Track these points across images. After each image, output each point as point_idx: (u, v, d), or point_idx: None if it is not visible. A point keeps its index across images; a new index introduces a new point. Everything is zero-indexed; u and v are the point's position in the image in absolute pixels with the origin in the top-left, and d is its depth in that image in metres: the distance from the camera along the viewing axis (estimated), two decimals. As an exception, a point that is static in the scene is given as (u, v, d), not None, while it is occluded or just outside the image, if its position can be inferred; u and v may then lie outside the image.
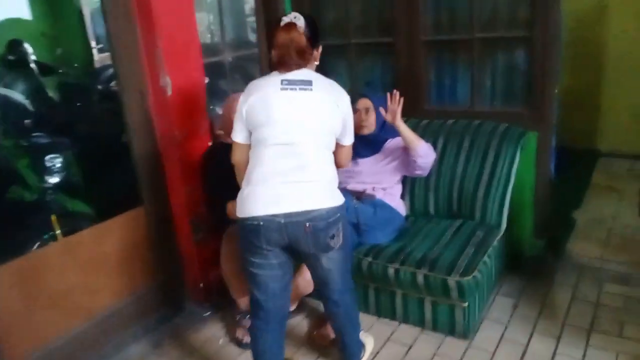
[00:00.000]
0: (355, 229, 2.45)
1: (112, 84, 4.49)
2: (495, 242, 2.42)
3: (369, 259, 2.40)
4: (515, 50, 2.67)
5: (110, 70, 4.84)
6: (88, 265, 2.34)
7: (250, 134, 1.90)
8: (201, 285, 2.68)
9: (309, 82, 1.87)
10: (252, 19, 3.29)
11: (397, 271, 2.32)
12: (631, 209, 3.39)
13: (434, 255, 2.31)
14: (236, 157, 1.99)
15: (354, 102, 2.18)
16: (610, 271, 2.72)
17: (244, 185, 1.89)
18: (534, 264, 2.77)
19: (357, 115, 2.63)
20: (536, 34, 2.51)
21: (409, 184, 2.75)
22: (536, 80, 2.58)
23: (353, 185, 2.66)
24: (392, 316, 2.49)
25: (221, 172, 2.39)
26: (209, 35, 3.15)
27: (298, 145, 1.82)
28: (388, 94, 2.42)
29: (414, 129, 2.59)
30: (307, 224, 1.79)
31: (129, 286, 2.50)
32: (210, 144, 2.65)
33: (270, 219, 1.78)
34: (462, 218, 2.60)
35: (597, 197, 3.60)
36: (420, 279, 2.27)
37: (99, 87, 4.95)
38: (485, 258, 2.30)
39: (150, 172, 2.53)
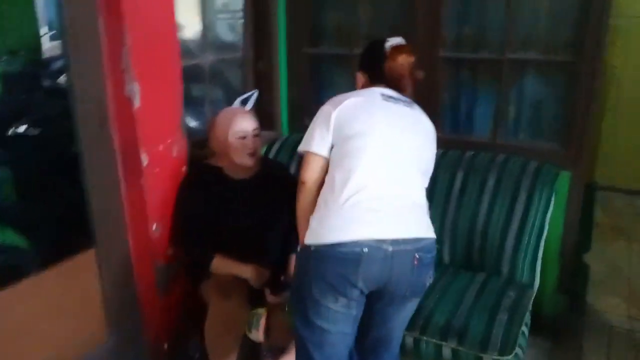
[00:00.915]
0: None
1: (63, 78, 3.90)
2: (530, 306, 2.02)
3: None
4: (553, 76, 2.29)
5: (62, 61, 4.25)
6: (20, 326, 1.77)
7: (332, 147, 1.61)
8: (165, 346, 2.14)
9: (410, 102, 1.73)
10: (234, 18, 2.79)
11: (417, 342, 1.88)
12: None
13: (461, 322, 1.88)
14: (310, 173, 1.62)
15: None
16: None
17: (324, 204, 1.53)
18: (558, 324, 2.40)
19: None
20: (582, 59, 2.14)
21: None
22: (576, 112, 2.20)
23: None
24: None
25: (206, 202, 2.01)
26: (186, 32, 2.63)
27: (402, 162, 1.59)
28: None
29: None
30: (417, 255, 1.49)
31: (71, 350, 1.94)
32: (184, 168, 2.13)
33: (376, 246, 1.44)
34: (485, 272, 2.18)
35: (605, 240, 3.31)
36: (446, 353, 1.84)
37: (48, 81, 4.32)
38: (523, 328, 1.89)
39: (106, 205, 1.98)
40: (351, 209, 1.47)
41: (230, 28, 2.80)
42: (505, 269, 2.14)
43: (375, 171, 1.54)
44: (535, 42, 2.27)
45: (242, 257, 2.02)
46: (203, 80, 2.60)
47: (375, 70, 1.75)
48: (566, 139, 2.26)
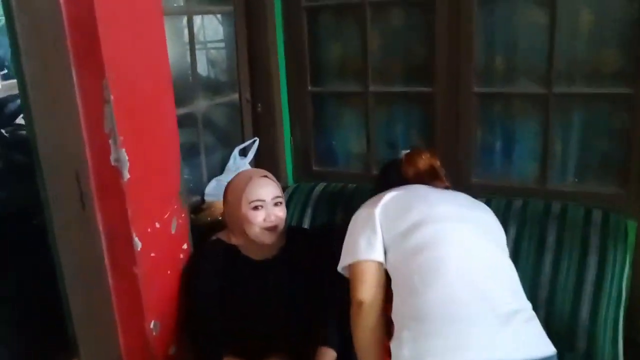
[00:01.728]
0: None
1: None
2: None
3: None
4: (605, 109, 1.98)
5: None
6: None
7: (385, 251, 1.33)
8: None
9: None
10: (228, 57, 2.42)
11: None
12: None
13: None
14: (366, 287, 1.31)
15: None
16: None
17: (409, 322, 1.19)
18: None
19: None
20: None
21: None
22: (636, 150, 1.91)
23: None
24: None
25: (221, 291, 1.65)
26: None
27: (484, 253, 1.32)
28: None
29: None
30: None
31: None
32: (186, 246, 1.73)
33: None
34: (555, 348, 1.83)
35: None
36: None
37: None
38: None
39: (89, 303, 1.57)
40: (452, 323, 1.11)
41: (223, 67, 2.44)
42: (581, 344, 1.79)
43: (467, 265, 1.19)
44: (581, 72, 1.97)
45: (262, 352, 1.63)
46: (196, 129, 2.21)
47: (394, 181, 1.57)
48: (627, 180, 1.96)
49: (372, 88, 2.29)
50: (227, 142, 2.38)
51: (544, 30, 1.95)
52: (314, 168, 2.52)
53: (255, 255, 1.70)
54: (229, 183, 1.74)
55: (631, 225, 1.92)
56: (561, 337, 1.80)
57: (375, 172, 2.37)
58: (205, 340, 1.64)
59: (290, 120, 2.47)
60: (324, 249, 1.76)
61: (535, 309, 1.82)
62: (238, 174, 1.77)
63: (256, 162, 2.39)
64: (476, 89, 2.09)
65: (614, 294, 1.78)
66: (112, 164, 1.47)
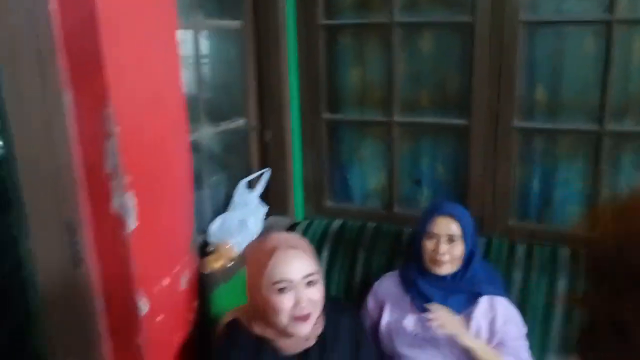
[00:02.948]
0: None
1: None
2: None
3: None
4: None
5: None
6: None
7: None
8: None
9: None
10: (231, 75, 2.16)
11: None
12: None
13: None
14: None
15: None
16: None
17: None
18: None
19: (430, 242, 1.62)
20: None
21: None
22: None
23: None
24: None
25: None
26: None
27: None
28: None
29: (502, 255, 1.74)
30: None
31: None
32: (197, 304, 1.45)
33: None
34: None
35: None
36: None
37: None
38: None
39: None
40: None
41: (228, 89, 2.17)
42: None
43: None
44: (633, 108, 1.79)
45: None
46: (198, 159, 1.94)
47: None
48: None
49: (397, 118, 2.05)
50: (231, 174, 2.11)
51: (596, 61, 1.76)
52: (328, 204, 2.27)
53: (287, 349, 1.34)
54: (250, 248, 1.42)
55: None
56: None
57: (396, 209, 2.14)
58: None
59: (303, 151, 2.22)
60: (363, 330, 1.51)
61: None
62: (262, 238, 1.43)
63: (264, 196, 2.13)
64: (517, 124, 1.88)
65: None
66: (114, 211, 1.19)
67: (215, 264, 1.78)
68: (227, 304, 1.59)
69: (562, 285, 1.72)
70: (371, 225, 2.09)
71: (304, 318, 1.29)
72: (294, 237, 1.40)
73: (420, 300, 1.67)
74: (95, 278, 1.24)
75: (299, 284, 1.29)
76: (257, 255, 1.34)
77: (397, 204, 2.15)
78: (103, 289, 1.25)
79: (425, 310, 1.63)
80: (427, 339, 1.63)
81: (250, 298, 1.36)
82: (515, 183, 1.96)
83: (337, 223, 2.11)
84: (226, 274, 1.68)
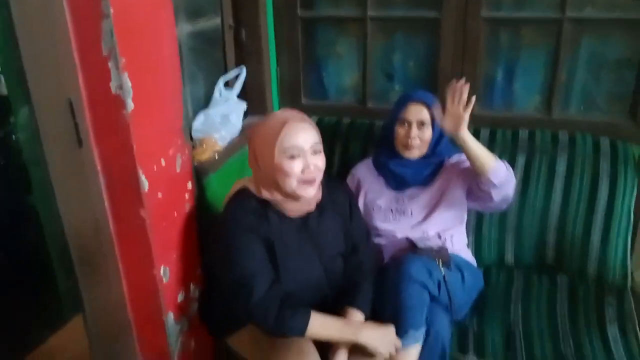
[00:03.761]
0: (447, 310, 1.59)
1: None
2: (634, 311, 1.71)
3: (474, 357, 1.56)
4: (615, 36, 1.93)
5: None
6: None
7: None
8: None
9: None
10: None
11: (526, 378, 1.52)
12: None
13: (572, 348, 1.53)
14: None
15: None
16: None
17: None
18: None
19: (403, 128, 1.75)
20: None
21: (473, 221, 1.93)
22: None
23: (406, 234, 1.78)
24: None
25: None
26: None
27: None
28: (451, 89, 1.61)
29: None
30: None
31: None
32: (190, 186, 1.56)
33: None
34: (565, 273, 1.85)
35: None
36: (566, 389, 1.49)
37: None
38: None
39: (89, 254, 1.39)
40: None
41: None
42: (591, 269, 1.82)
43: None
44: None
45: None
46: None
47: None
48: (633, 109, 1.95)
49: (371, 12, 2.11)
50: (209, 73, 2.16)
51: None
52: (303, 101, 2.35)
53: (291, 211, 1.48)
54: (256, 126, 1.50)
55: (637, 152, 1.92)
56: (572, 264, 1.83)
57: (370, 104, 2.25)
58: (259, 310, 1.37)
59: (277, 48, 2.27)
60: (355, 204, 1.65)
61: (544, 237, 1.83)
62: (269, 116, 1.51)
63: (242, 95, 2.19)
64: (486, 14, 1.98)
65: (624, 219, 1.81)
66: (113, 92, 1.26)
67: (202, 156, 1.87)
68: (219, 191, 1.71)
69: (520, 161, 1.90)
70: (346, 120, 2.20)
71: (311, 182, 1.43)
72: (300, 113, 1.51)
73: (393, 180, 1.84)
74: (98, 156, 1.32)
75: (307, 152, 1.42)
76: (268, 129, 1.43)
77: (371, 99, 2.25)
78: (106, 167, 1.33)
79: (398, 188, 1.81)
80: (400, 213, 1.81)
81: (258, 168, 1.47)
82: (481, 73, 2.08)
83: (313, 119, 2.21)
84: (214, 165, 1.78)
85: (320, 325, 1.39)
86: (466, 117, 1.59)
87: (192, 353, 1.63)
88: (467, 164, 1.69)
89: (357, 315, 1.50)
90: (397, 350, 1.45)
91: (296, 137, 1.40)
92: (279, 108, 2.36)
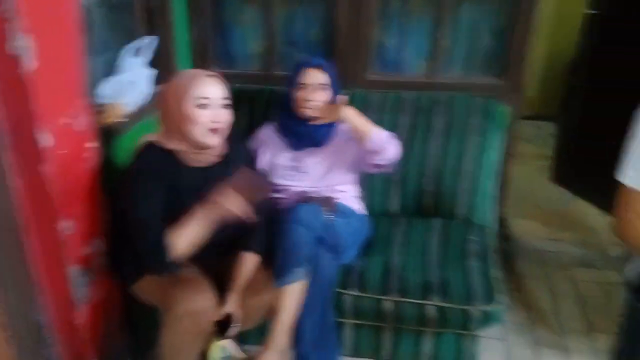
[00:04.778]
0: (332, 252, 1.79)
1: None
2: (494, 247, 1.99)
3: (354, 292, 1.79)
4: (492, 5, 2.17)
5: None
6: None
7: None
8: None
9: None
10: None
11: (397, 305, 1.76)
12: (543, 174, 3.31)
13: (438, 277, 1.79)
14: None
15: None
16: (569, 255, 2.56)
17: None
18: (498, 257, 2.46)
19: (302, 92, 1.92)
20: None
21: (364, 175, 2.15)
22: (515, 42, 2.14)
23: (301, 187, 1.97)
24: (376, 356, 1.93)
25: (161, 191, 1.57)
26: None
27: None
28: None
29: (363, 104, 2.02)
30: None
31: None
32: (92, 144, 1.67)
33: None
34: (440, 217, 2.11)
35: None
36: (431, 312, 1.74)
37: None
38: (496, 271, 1.86)
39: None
40: None
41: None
42: (461, 211, 2.09)
43: None
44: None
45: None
46: (85, 23, 2.05)
47: None
48: (504, 71, 2.21)
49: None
50: (118, 40, 2.24)
51: None
52: (212, 69, 2.47)
53: (195, 161, 1.60)
54: (168, 83, 1.62)
55: (505, 110, 2.19)
56: (445, 208, 2.09)
57: (276, 72, 2.40)
58: (152, 250, 1.51)
59: (188, 16, 2.37)
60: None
61: (423, 186, 2.08)
62: (181, 72, 1.64)
63: (152, 63, 2.29)
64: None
65: (490, 169, 2.08)
66: (10, 51, 1.36)
67: (108, 119, 1.96)
68: (129, 153, 1.82)
69: (405, 120, 2.13)
70: (252, 87, 2.35)
71: (218, 131, 1.56)
72: (211, 72, 1.64)
73: (293, 140, 2.02)
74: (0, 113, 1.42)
75: (216, 104, 1.55)
76: (181, 79, 1.56)
77: (275, 66, 2.41)
78: (8, 125, 1.43)
79: (297, 148, 1.99)
80: (298, 170, 2.00)
81: (166, 121, 1.59)
82: (374, 40, 2.28)
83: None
84: (124, 127, 1.89)
85: (182, 237, 1.50)
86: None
87: (99, 303, 1.76)
88: None
89: (250, 258, 1.68)
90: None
91: (207, 88, 1.54)
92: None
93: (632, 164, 1.07)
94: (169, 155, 1.59)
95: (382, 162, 1.88)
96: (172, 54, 2.36)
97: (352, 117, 1.83)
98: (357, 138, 1.85)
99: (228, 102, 1.60)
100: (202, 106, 1.53)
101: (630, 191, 1.07)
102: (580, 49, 2.82)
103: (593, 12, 2.69)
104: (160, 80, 2.26)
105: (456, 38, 2.24)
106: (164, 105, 1.59)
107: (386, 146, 1.84)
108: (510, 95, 2.21)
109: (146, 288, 1.69)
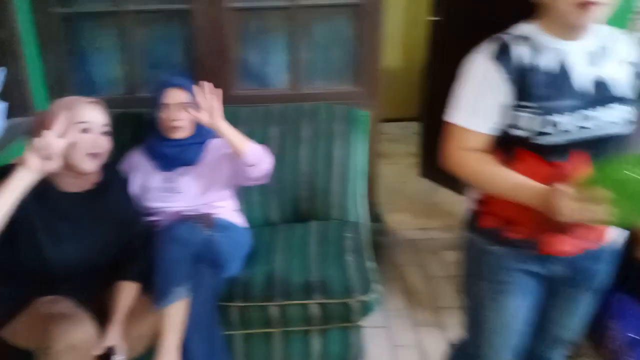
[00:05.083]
0: (213, 267, 1.82)
1: None
2: (368, 241, 2.13)
3: (239, 302, 1.83)
4: (341, 18, 2.33)
5: None
6: None
7: None
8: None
9: None
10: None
11: (283, 308, 1.82)
12: (412, 170, 3.59)
13: (318, 276, 1.88)
14: None
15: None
16: (438, 240, 2.80)
17: None
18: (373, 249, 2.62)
19: (165, 112, 1.95)
20: (367, 1, 2.24)
21: (242, 188, 2.20)
22: (365, 52, 2.32)
23: (177, 208, 1.98)
24: (269, 361, 1.98)
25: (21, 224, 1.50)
26: None
27: None
28: (199, 87, 1.85)
29: (233, 119, 2.04)
30: None
31: None
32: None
33: None
34: (317, 220, 2.21)
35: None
36: (314, 310, 1.83)
37: None
38: (371, 263, 1.99)
39: None
40: None
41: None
42: (335, 212, 2.21)
43: None
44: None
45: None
46: None
47: None
48: (360, 79, 2.39)
49: (126, 7, 2.25)
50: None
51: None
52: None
53: (68, 186, 1.57)
54: (49, 108, 1.56)
55: (365, 114, 2.36)
56: (321, 211, 2.21)
57: (141, 94, 2.38)
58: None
59: (40, 46, 2.28)
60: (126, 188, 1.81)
61: (298, 192, 2.18)
62: (62, 98, 1.59)
63: (2, 96, 2.17)
64: (229, 4, 2.24)
65: (357, 169, 2.23)
66: None
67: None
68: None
69: (274, 132, 2.22)
70: (116, 111, 2.29)
71: (97, 156, 1.56)
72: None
73: (163, 162, 2.01)
74: None
75: (97, 129, 1.55)
76: (63, 103, 1.53)
77: (139, 89, 2.39)
78: None
79: (168, 169, 1.99)
80: (172, 191, 2.00)
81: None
82: (236, 57, 2.35)
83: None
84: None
85: None
86: (217, 109, 1.82)
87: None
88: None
89: (128, 286, 1.66)
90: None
91: (90, 112, 1.55)
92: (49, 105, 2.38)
93: (462, 105, 1.24)
94: (44, 179, 1.52)
95: (257, 175, 1.94)
96: (25, 85, 2.25)
97: (227, 131, 1.87)
98: (233, 152, 1.90)
99: (108, 129, 1.62)
100: (85, 130, 1.54)
101: (456, 127, 1.24)
102: (428, 53, 3.12)
103: (435, 19, 2.99)
104: (13, 113, 2.15)
105: (313, 51, 2.37)
106: (43, 130, 1.50)
107: (261, 159, 1.91)
108: (368, 100, 2.39)
109: (18, 330, 1.60)
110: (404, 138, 4.21)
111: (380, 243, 2.70)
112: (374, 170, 2.54)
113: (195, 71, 2.33)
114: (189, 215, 1.91)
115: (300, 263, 1.95)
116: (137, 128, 2.22)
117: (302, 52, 2.36)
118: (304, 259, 1.96)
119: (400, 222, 2.97)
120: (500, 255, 1.32)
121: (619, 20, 2.26)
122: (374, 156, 2.52)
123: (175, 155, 2.00)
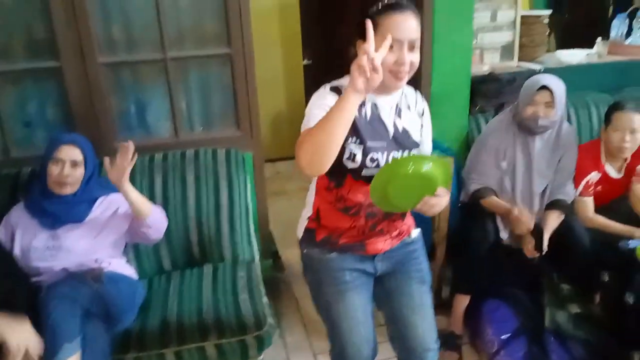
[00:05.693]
0: (105, 321, 1.79)
1: None
2: (261, 278, 2.19)
3: (134, 353, 1.81)
4: (214, 67, 2.43)
5: None
6: None
7: None
8: None
9: None
10: None
11: (179, 354, 1.83)
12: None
13: (212, 318, 1.90)
14: None
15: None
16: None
17: None
18: (272, 283, 2.69)
19: (55, 168, 1.95)
20: (236, 51, 2.35)
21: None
22: (240, 97, 2.43)
23: (63, 265, 1.93)
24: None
25: None
26: None
27: None
28: (121, 147, 1.87)
29: None
30: None
31: None
32: None
33: None
34: (210, 263, 2.24)
35: (273, 202, 3.79)
36: (211, 351, 1.85)
37: None
38: (265, 298, 2.05)
39: None
40: None
41: None
42: (227, 253, 2.25)
43: None
44: (189, 38, 2.36)
45: None
46: None
47: None
48: (240, 123, 2.48)
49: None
50: None
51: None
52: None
53: None
54: None
55: (248, 156, 2.47)
56: (213, 254, 2.25)
57: (13, 154, 2.30)
58: None
59: None
60: None
61: (189, 238, 2.22)
62: None
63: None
64: (102, 60, 2.26)
65: (244, 209, 2.31)
66: None
67: None
68: None
69: (158, 180, 2.25)
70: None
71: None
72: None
73: (47, 219, 1.96)
74: None
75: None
76: None
77: (12, 148, 2.31)
78: None
79: (53, 226, 1.94)
80: (57, 249, 1.94)
81: None
82: (114, 110, 2.36)
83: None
84: None
85: None
86: (127, 172, 1.85)
87: None
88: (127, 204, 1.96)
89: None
90: None
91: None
92: None
93: (310, 118, 1.38)
94: None
95: (156, 236, 2.03)
96: None
97: (131, 194, 1.89)
98: (134, 212, 1.93)
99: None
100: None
101: (305, 131, 1.35)
102: (305, 94, 3.31)
103: (306, 62, 3.20)
104: None
105: (191, 99, 2.44)
106: None
107: (161, 221, 1.99)
108: (249, 142, 2.49)
109: None
110: (297, 174, 4.35)
111: (277, 278, 2.77)
112: (264, 208, 2.63)
113: (71, 126, 2.31)
114: (76, 272, 1.87)
115: (194, 307, 1.96)
116: (14, 187, 2.16)
117: (181, 101, 2.42)
118: (197, 303, 1.98)
119: (296, 255, 3.04)
120: (337, 260, 1.60)
121: (461, 55, 2.60)
122: (263, 194, 2.61)
123: (61, 212, 1.96)
